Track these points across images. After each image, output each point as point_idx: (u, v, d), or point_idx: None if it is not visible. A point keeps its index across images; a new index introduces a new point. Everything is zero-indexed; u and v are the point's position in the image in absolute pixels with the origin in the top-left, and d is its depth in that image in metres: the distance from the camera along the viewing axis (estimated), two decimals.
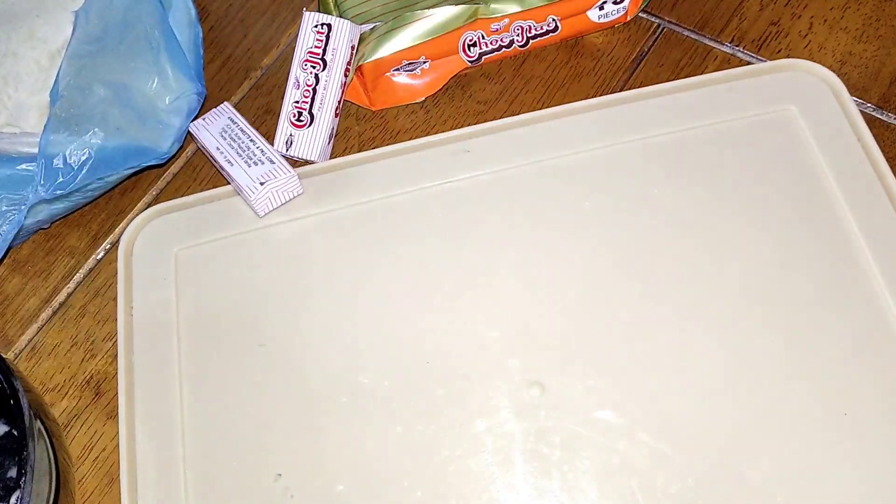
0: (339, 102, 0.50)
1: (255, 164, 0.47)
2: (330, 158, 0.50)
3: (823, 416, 0.40)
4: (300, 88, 0.49)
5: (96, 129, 0.44)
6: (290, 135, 0.48)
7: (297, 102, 0.49)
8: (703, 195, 0.46)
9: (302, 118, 0.48)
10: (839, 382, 0.41)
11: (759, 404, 0.41)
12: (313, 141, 0.49)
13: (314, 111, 0.49)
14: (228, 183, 0.48)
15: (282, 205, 0.47)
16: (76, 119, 0.44)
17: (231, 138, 0.48)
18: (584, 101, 0.49)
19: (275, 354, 0.44)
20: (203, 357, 0.44)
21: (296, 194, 0.47)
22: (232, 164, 0.47)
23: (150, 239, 0.48)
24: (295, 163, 0.49)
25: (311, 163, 0.49)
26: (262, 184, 0.46)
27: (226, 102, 0.50)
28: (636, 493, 0.39)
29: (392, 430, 0.42)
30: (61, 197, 0.45)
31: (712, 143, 0.48)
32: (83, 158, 0.44)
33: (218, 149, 0.48)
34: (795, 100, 0.48)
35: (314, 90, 0.49)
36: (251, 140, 0.48)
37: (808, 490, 0.39)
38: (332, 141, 0.50)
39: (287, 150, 0.49)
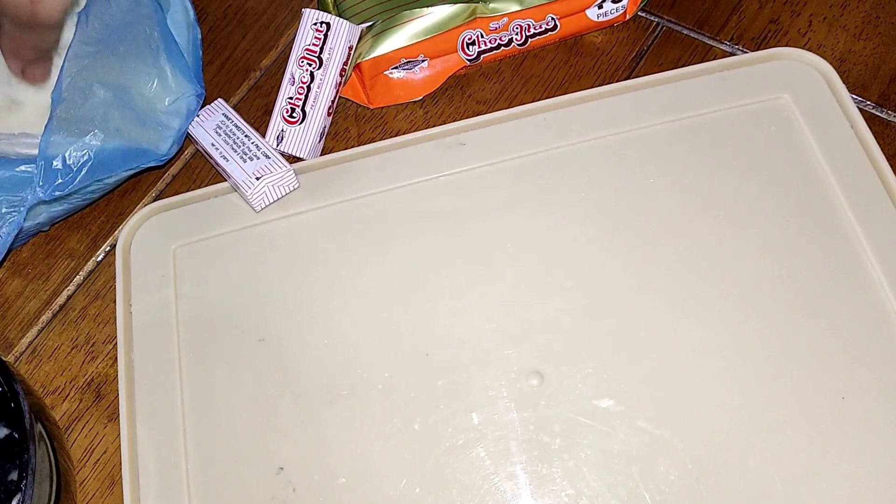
0: (333, 102, 0.50)
1: (251, 159, 0.47)
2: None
3: (822, 400, 0.41)
4: (295, 85, 0.49)
5: (96, 131, 0.44)
6: (282, 130, 0.48)
7: (291, 98, 0.49)
8: (700, 184, 0.46)
9: (294, 114, 0.49)
10: (837, 367, 0.41)
11: (758, 390, 0.41)
12: (304, 138, 0.49)
13: (307, 109, 0.49)
14: (225, 180, 0.48)
15: (278, 199, 0.48)
16: (76, 120, 0.44)
17: (226, 134, 0.48)
18: (577, 93, 0.49)
19: (274, 349, 0.44)
20: (203, 353, 0.44)
21: (292, 188, 0.47)
22: (227, 160, 0.47)
23: (147, 236, 0.48)
24: (288, 158, 0.49)
25: (302, 159, 0.49)
26: (258, 178, 0.46)
27: (220, 99, 0.50)
28: (636, 480, 0.40)
29: (392, 422, 0.42)
30: (60, 198, 0.45)
31: (707, 133, 0.48)
32: (83, 160, 0.44)
33: (213, 145, 0.48)
34: (788, 88, 0.49)
35: (308, 88, 0.49)
36: (246, 135, 0.48)
37: (807, 473, 0.39)
38: (322, 140, 0.50)
39: (278, 145, 0.49)
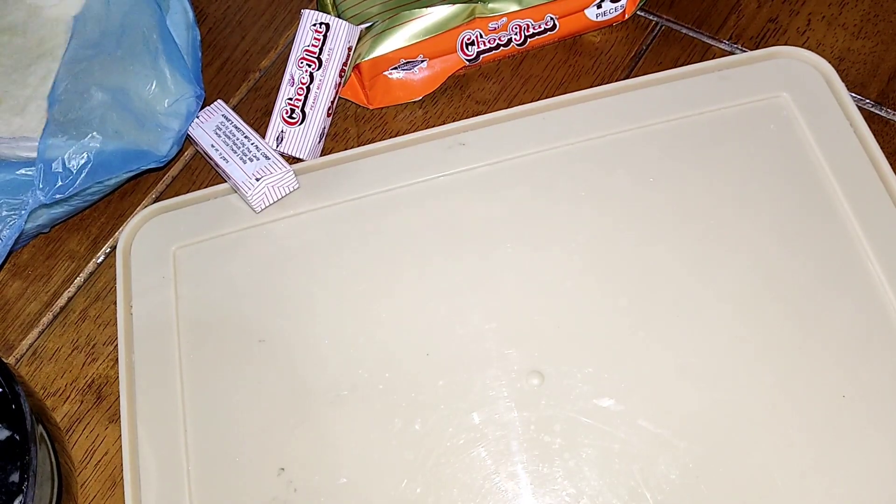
0: (333, 103, 0.50)
1: (251, 160, 0.47)
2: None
3: (822, 399, 0.41)
4: (294, 86, 0.49)
5: (95, 133, 0.44)
6: (282, 131, 0.48)
7: (291, 99, 0.49)
8: (700, 183, 0.47)
9: (294, 115, 0.49)
10: (837, 366, 0.41)
11: (759, 388, 0.41)
12: (304, 139, 0.49)
13: (306, 109, 0.49)
14: (225, 181, 0.48)
15: (278, 200, 0.48)
16: (74, 123, 0.44)
17: (226, 135, 0.48)
18: (577, 93, 0.49)
19: (275, 350, 0.44)
20: (203, 354, 0.44)
21: (292, 189, 0.47)
22: (227, 161, 0.47)
23: (147, 238, 0.48)
24: (288, 159, 0.49)
25: (301, 160, 0.49)
26: (257, 179, 0.46)
27: (219, 100, 0.50)
28: (637, 479, 0.40)
29: (393, 422, 0.42)
30: (61, 201, 0.45)
31: (707, 132, 0.48)
32: (82, 162, 0.44)
33: (213, 146, 0.48)
34: (787, 87, 0.49)
35: (308, 88, 0.49)
36: (245, 136, 0.48)
37: (808, 472, 0.39)
38: (322, 140, 0.50)
39: (277, 146, 0.49)
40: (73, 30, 0.45)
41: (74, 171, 0.44)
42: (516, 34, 0.51)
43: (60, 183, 0.44)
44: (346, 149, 0.51)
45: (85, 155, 0.44)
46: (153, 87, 0.47)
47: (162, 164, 0.48)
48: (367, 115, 0.53)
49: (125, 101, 0.46)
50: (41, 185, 0.43)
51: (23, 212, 0.44)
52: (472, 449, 0.41)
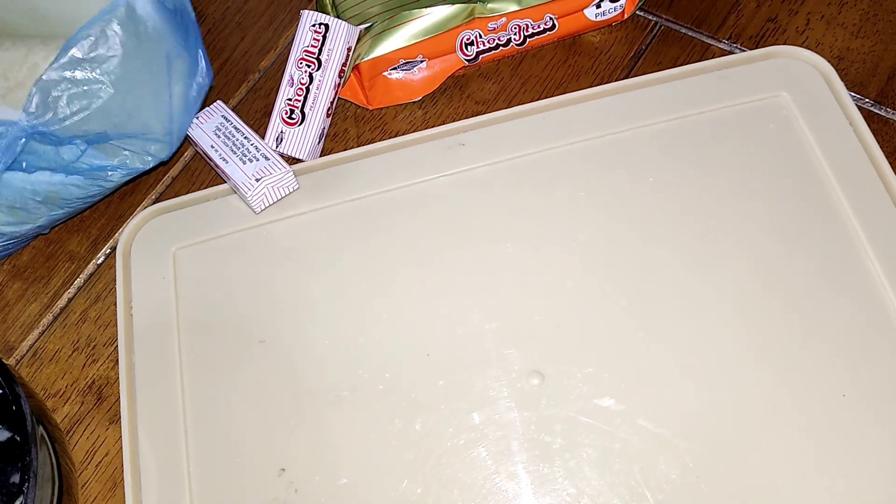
0: (332, 103, 0.50)
1: (250, 160, 0.47)
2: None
3: (822, 398, 0.41)
4: (294, 86, 0.49)
5: (104, 86, 0.42)
6: (281, 131, 0.48)
7: (290, 100, 0.49)
8: (700, 183, 0.47)
9: (293, 116, 0.49)
10: (837, 365, 0.41)
11: (759, 388, 0.41)
12: (303, 139, 0.49)
13: (306, 110, 0.49)
14: (225, 182, 0.48)
15: (278, 200, 0.48)
16: (91, 63, 0.42)
17: (225, 136, 0.48)
18: (576, 93, 0.49)
19: (275, 350, 0.44)
20: (204, 355, 0.44)
21: (291, 190, 0.47)
22: (227, 162, 0.47)
23: (147, 239, 0.48)
24: (288, 160, 0.49)
25: (301, 161, 0.49)
26: (257, 180, 0.46)
27: (219, 101, 0.50)
28: (638, 479, 0.40)
29: (393, 422, 0.42)
30: (43, 137, 0.42)
31: (706, 132, 0.48)
32: (78, 109, 0.42)
33: (212, 147, 0.48)
34: (786, 86, 0.49)
35: (307, 89, 0.49)
36: (245, 137, 0.48)
37: (808, 471, 0.39)
38: (322, 141, 0.50)
39: (277, 147, 0.49)
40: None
41: (69, 114, 0.42)
42: (515, 34, 0.51)
43: (51, 115, 0.41)
44: (345, 149, 0.51)
45: (86, 103, 0.42)
46: (169, 62, 0.46)
47: (159, 162, 0.47)
48: (366, 116, 0.53)
49: (141, 74, 0.44)
50: (31, 108, 0.40)
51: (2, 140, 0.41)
52: (473, 449, 0.41)
